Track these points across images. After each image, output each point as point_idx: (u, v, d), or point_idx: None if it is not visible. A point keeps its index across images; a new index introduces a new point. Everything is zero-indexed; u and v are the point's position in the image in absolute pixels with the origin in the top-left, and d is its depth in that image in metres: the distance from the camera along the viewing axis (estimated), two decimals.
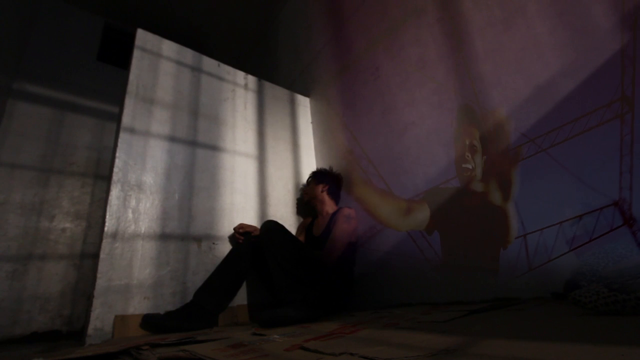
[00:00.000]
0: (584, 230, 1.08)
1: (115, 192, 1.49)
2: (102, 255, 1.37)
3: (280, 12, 3.29)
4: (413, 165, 1.69)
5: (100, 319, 1.29)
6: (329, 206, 1.92)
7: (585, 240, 1.07)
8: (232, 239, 1.78)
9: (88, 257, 2.32)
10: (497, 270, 1.28)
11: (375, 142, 1.93)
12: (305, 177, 2.21)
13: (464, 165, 1.48)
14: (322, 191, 1.93)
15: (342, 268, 1.67)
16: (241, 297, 1.69)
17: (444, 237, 1.51)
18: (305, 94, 2.61)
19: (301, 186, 2.20)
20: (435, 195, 1.57)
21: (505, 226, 1.28)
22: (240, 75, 2.24)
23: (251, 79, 2.29)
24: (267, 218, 1.97)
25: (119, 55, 2.98)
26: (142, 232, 1.51)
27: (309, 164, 2.37)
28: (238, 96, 2.16)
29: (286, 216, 2.09)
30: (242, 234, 1.69)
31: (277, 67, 3.21)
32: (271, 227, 1.52)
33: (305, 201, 2.04)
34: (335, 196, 1.97)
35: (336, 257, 1.64)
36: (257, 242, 1.59)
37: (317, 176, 2.00)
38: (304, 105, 2.56)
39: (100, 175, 2.55)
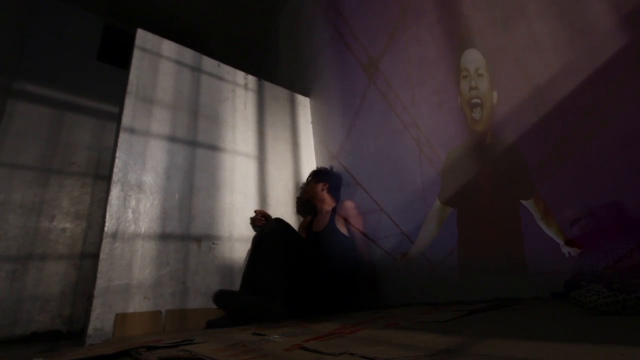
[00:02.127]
0: (584, 230, 1.08)
1: (115, 192, 1.49)
2: (102, 255, 1.37)
3: (280, 12, 3.29)
4: (413, 165, 1.69)
5: (100, 319, 1.29)
6: (329, 204, 1.92)
7: (585, 240, 1.07)
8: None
9: (88, 257, 2.32)
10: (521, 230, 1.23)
11: (376, 142, 1.93)
12: (305, 177, 2.21)
13: (473, 101, 1.33)
14: (322, 190, 1.94)
15: (344, 268, 1.67)
16: None
17: (460, 214, 1.45)
18: (305, 94, 2.61)
19: (301, 185, 2.20)
20: (450, 165, 1.47)
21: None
22: (240, 75, 2.24)
23: (251, 79, 2.29)
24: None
25: (119, 55, 2.98)
26: (142, 232, 1.51)
27: (309, 164, 2.37)
28: (238, 96, 2.16)
29: (286, 216, 2.09)
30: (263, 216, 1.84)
31: (277, 67, 3.21)
32: (276, 230, 1.52)
33: (305, 200, 2.04)
34: (335, 195, 1.98)
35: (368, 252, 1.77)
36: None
37: (317, 175, 2.01)
38: (304, 105, 2.56)
39: (100, 175, 2.55)
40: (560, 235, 1.12)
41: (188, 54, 2.01)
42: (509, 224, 1.27)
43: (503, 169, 1.30)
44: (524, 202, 1.21)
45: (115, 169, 1.52)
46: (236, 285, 1.69)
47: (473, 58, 1.42)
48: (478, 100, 1.34)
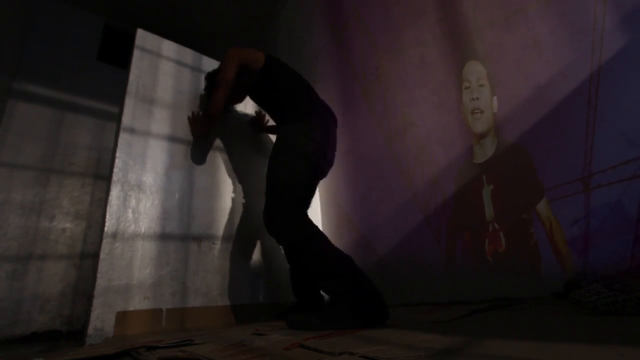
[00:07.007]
0: (584, 230, 1.08)
1: (115, 192, 1.49)
2: (102, 255, 1.37)
3: (280, 12, 3.29)
4: (413, 165, 1.69)
5: (100, 319, 1.29)
6: (229, 69, 1.66)
7: (585, 240, 1.07)
8: None
9: (88, 257, 2.32)
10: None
11: (376, 142, 1.93)
12: None
13: (475, 110, 1.43)
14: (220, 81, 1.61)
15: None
16: (235, 297, 1.69)
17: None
18: None
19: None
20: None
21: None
22: None
23: None
24: None
25: (119, 55, 2.98)
26: (142, 232, 1.51)
27: None
28: None
29: None
30: None
31: None
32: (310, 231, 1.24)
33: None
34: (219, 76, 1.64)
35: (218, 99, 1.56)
36: None
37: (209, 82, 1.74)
38: None
39: (100, 175, 2.54)
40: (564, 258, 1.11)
41: (188, 54, 2.01)
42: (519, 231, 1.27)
43: (511, 171, 1.31)
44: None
45: (115, 169, 1.52)
46: (238, 286, 1.69)
47: (474, 69, 1.47)
48: (479, 109, 1.43)
